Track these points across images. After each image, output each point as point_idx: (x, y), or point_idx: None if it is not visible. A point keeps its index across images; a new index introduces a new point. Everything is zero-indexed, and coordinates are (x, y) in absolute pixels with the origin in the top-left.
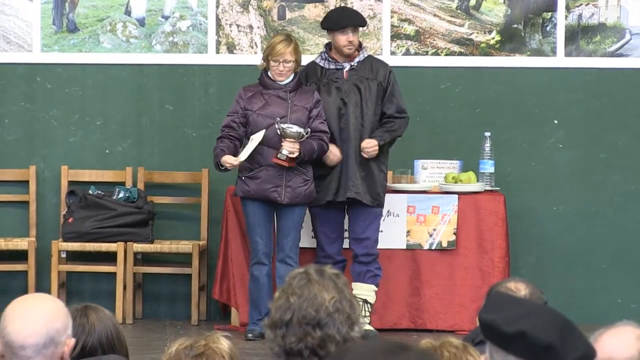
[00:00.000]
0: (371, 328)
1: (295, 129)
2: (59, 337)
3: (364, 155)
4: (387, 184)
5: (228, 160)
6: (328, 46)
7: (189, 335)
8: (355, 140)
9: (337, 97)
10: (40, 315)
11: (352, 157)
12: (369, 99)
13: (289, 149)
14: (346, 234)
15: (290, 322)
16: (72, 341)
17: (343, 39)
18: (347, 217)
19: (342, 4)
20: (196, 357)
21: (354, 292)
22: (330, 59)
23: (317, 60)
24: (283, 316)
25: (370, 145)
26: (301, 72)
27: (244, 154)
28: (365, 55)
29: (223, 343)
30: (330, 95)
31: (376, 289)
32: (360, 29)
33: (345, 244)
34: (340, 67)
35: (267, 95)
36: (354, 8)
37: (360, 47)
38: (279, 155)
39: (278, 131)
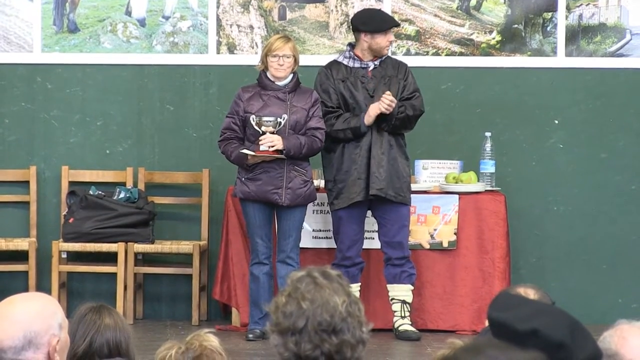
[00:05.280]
0: (413, 329)
1: (269, 118)
2: (38, 339)
3: (381, 106)
4: None
5: (247, 152)
6: (351, 45)
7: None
8: (379, 136)
9: (363, 94)
10: (18, 318)
11: (377, 153)
12: (394, 94)
13: (268, 140)
14: (371, 234)
15: (304, 329)
16: (57, 339)
17: (385, 40)
18: (373, 217)
19: (343, 4)
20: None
21: (391, 293)
22: (355, 58)
23: (340, 59)
24: (296, 323)
25: (390, 97)
26: (323, 69)
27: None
28: (386, 55)
29: (214, 340)
30: (358, 91)
31: (412, 287)
32: None
33: (375, 245)
34: (365, 65)
35: (266, 96)
36: (356, 9)
37: None
38: (261, 148)
39: (253, 124)
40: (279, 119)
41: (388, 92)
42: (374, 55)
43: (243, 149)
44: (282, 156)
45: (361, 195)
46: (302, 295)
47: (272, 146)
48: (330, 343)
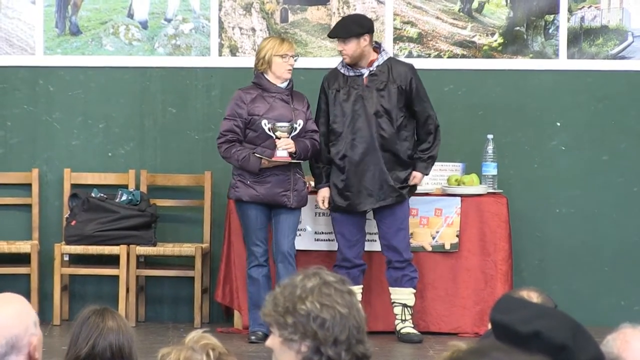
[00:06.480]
0: (415, 331)
1: (285, 123)
2: (19, 343)
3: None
4: None
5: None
6: None
7: None
8: (375, 148)
9: (356, 104)
10: None
11: (373, 164)
12: (389, 104)
13: (286, 145)
14: (372, 237)
15: (347, 340)
16: (36, 337)
17: (338, 47)
18: (374, 220)
19: (345, 7)
20: None
21: (392, 296)
22: (349, 66)
23: (339, 67)
24: (340, 335)
25: (417, 180)
26: (324, 78)
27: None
28: (385, 59)
29: (217, 341)
30: (348, 102)
31: (414, 291)
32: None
33: (377, 247)
34: (360, 73)
35: (271, 98)
36: (357, 11)
37: (379, 50)
38: (278, 154)
39: (266, 129)
40: (294, 125)
41: (414, 175)
42: (348, 64)
43: (254, 153)
44: (296, 160)
45: (364, 206)
46: (338, 304)
47: (289, 148)
48: (361, 348)
